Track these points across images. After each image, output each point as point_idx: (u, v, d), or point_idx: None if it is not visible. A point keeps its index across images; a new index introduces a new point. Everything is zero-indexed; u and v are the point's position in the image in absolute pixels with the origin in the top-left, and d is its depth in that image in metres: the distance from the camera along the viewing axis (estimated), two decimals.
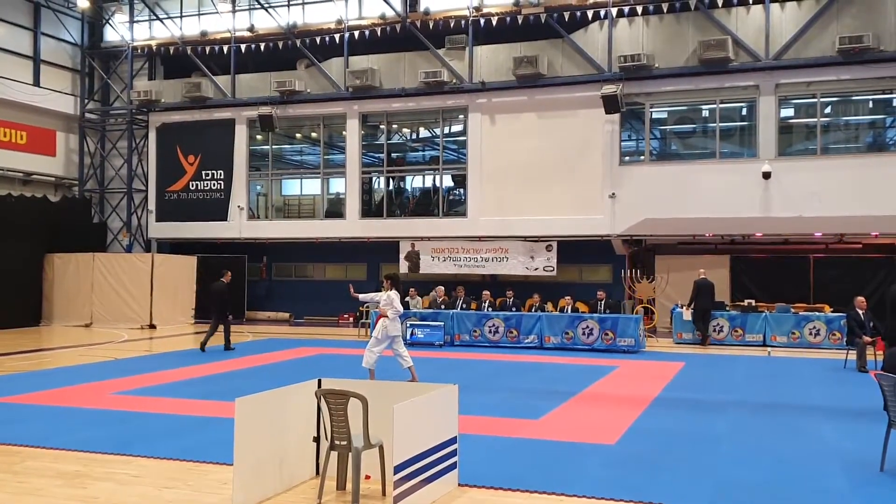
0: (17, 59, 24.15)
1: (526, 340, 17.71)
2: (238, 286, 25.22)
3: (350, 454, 6.08)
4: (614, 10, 20.73)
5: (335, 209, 24.53)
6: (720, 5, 19.98)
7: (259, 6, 24.19)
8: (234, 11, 24.56)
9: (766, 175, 19.17)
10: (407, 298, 18.91)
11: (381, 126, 23.96)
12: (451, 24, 22.33)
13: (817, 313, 18.22)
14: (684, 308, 18.73)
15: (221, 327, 16.38)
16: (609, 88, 19.86)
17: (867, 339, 13.99)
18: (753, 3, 19.82)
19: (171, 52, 25.72)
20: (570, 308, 18.56)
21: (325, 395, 6.16)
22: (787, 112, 20.59)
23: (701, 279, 18.50)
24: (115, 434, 8.40)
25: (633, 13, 20.79)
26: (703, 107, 21.06)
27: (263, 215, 25.37)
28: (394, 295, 11.75)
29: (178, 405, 10.26)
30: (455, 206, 23.25)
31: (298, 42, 23.75)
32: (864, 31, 18.52)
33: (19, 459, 7.36)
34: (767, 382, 12.81)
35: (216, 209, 24.84)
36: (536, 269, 21.61)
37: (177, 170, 25.40)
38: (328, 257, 25.16)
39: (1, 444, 7.96)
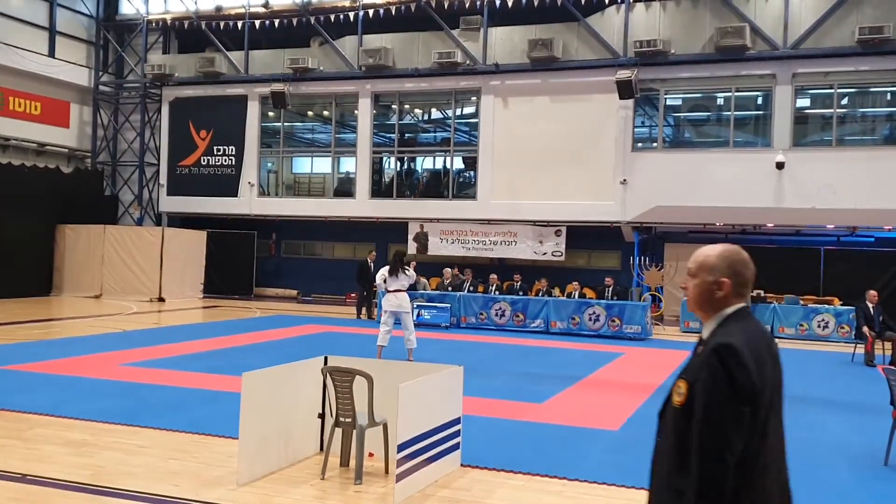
0: (32, 30, 24.12)
1: (532, 325, 17.73)
2: (247, 263, 25.39)
3: (354, 431, 6.12)
4: None
5: (345, 188, 24.53)
6: None
7: None
8: None
9: (780, 165, 19.05)
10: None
11: (394, 106, 23.89)
12: (466, 5, 22.16)
13: (826, 306, 18.14)
14: None
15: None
16: (624, 74, 19.72)
17: (866, 330, 13.90)
18: None
19: (186, 26, 25.65)
20: (577, 294, 18.54)
21: (331, 372, 6.19)
22: (804, 102, 20.40)
23: None
24: (123, 404, 8.47)
25: None
26: (718, 95, 20.90)
27: (274, 192, 25.40)
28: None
29: (186, 378, 10.33)
30: (465, 188, 23.20)
31: (313, 19, 23.64)
32: (885, 21, 18.29)
33: (28, 426, 7.44)
34: None
35: (227, 185, 24.87)
36: (545, 253, 21.57)
37: (189, 144, 25.42)
38: (337, 236, 25.18)
39: (10, 411, 8.05)
